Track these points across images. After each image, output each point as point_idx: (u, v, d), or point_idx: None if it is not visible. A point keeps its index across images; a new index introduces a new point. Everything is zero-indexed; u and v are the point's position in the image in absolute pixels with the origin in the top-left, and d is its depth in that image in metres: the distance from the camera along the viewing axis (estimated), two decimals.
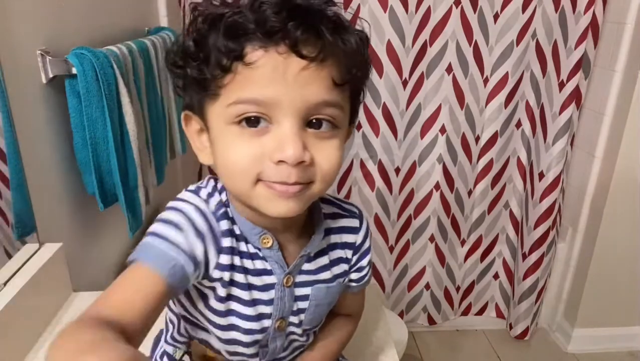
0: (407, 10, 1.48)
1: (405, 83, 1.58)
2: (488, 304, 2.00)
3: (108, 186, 0.96)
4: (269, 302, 0.52)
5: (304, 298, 0.54)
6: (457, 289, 1.93)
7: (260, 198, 0.45)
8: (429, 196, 1.75)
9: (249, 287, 0.51)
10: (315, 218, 0.54)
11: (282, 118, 0.43)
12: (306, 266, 0.54)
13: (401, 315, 1.93)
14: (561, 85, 1.59)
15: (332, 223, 0.56)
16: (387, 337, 0.81)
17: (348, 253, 0.57)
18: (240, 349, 0.54)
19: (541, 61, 1.62)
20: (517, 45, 1.57)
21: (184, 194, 0.51)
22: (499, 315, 1.99)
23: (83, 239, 1.00)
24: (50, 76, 0.85)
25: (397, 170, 1.70)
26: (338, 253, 0.57)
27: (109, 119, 0.92)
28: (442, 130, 1.66)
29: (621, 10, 1.51)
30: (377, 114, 1.61)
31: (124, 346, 0.35)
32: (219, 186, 0.52)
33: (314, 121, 0.45)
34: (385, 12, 1.49)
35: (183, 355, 0.58)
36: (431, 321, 1.94)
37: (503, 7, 1.53)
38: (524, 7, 1.53)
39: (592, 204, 1.72)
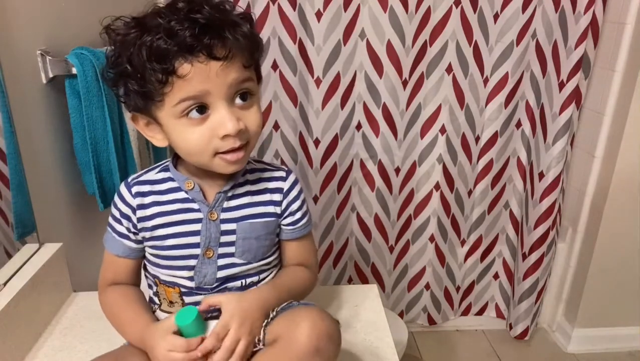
0: (407, 10, 1.48)
1: (405, 83, 1.58)
2: (488, 304, 2.00)
3: (108, 186, 0.97)
4: (197, 233, 0.66)
5: (231, 232, 0.67)
6: (457, 289, 1.93)
7: (219, 166, 0.62)
8: (429, 196, 1.75)
9: (180, 222, 0.66)
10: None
11: (216, 103, 0.58)
12: (227, 204, 0.67)
13: (401, 315, 1.93)
14: (561, 85, 1.59)
15: (260, 174, 0.71)
16: (387, 337, 0.81)
17: (276, 197, 0.70)
18: (178, 273, 0.67)
19: (541, 61, 1.62)
20: (517, 45, 1.57)
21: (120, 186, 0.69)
22: (499, 315, 1.99)
23: (83, 239, 1.00)
24: (50, 76, 0.85)
25: (397, 170, 1.71)
26: (264, 197, 0.70)
27: (109, 119, 0.92)
28: (442, 130, 1.66)
29: (621, 10, 1.51)
30: (377, 114, 1.61)
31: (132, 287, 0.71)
32: (166, 163, 0.69)
33: (238, 95, 0.60)
34: (385, 12, 1.49)
35: (159, 307, 0.71)
36: (431, 321, 1.94)
37: (503, 7, 1.53)
38: (524, 7, 1.53)
39: (592, 204, 1.72)
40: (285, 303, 0.68)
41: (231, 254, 0.67)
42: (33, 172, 0.81)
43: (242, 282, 0.69)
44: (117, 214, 0.68)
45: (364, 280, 1.86)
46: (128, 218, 0.67)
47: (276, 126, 1.62)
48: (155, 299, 0.71)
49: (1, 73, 0.73)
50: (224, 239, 0.67)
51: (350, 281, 1.87)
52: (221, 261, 0.67)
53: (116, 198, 0.68)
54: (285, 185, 0.71)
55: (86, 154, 0.91)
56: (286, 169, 0.73)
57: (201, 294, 0.68)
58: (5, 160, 0.76)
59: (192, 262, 0.66)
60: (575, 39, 1.52)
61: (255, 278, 0.70)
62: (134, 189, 0.67)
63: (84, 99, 0.87)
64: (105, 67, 0.62)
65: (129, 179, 0.69)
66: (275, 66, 1.54)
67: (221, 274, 0.67)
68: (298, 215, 0.72)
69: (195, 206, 0.66)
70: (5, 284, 0.75)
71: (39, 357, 0.76)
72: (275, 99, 1.58)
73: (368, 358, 0.76)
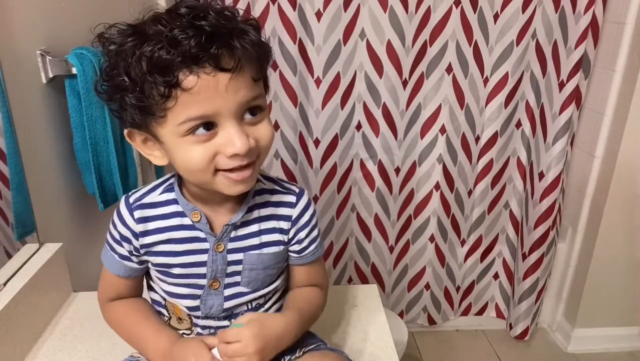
0: (407, 11, 1.48)
1: (405, 83, 1.58)
2: (488, 304, 2.00)
3: (108, 186, 0.97)
4: (202, 264, 0.63)
5: (238, 262, 0.64)
6: (457, 289, 1.93)
7: (222, 184, 0.57)
8: (429, 196, 1.75)
9: (186, 253, 0.63)
10: (244, 194, 0.62)
11: (225, 121, 0.54)
12: (234, 234, 0.64)
13: (401, 315, 1.93)
14: (561, 85, 1.59)
15: (269, 197, 0.66)
16: (387, 337, 0.81)
17: (283, 225, 0.66)
18: (183, 302, 0.65)
19: (541, 61, 1.62)
20: (517, 45, 1.57)
21: (119, 203, 0.65)
22: (499, 315, 1.99)
23: (83, 239, 1.00)
24: (50, 76, 0.85)
25: (397, 170, 1.71)
26: (272, 224, 0.65)
27: (109, 119, 0.92)
28: (442, 130, 1.66)
29: (621, 10, 1.51)
30: (377, 114, 1.61)
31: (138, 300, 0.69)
32: (170, 181, 0.65)
33: (248, 110, 0.55)
34: (385, 12, 1.49)
35: (169, 321, 0.69)
36: (431, 321, 1.94)
37: (503, 7, 1.53)
38: (524, 7, 1.53)
39: (592, 204, 1.72)
40: (314, 345, 0.67)
41: (237, 283, 0.65)
42: (33, 172, 0.81)
43: (247, 305, 0.67)
44: (117, 236, 0.64)
45: (364, 280, 1.86)
46: (129, 242, 0.63)
47: (276, 126, 1.62)
48: (164, 311, 0.69)
49: (1, 73, 0.73)
50: (230, 269, 0.64)
51: (350, 281, 1.87)
52: (227, 291, 0.65)
53: (116, 219, 0.64)
54: (294, 212, 0.66)
55: (86, 154, 0.91)
56: (297, 191, 0.67)
57: (209, 318, 0.67)
58: (5, 160, 0.76)
59: (198, 292, 0.64)
60: (575, 39, 1.52)
61: (261, 301, 0.68)
62: (137, 214, 0.63)
63: (84, 99, 0.87)
64: (98, 80, 0.57)
65: (131, 200, 0.64)
66: (275, 66, 1.54)
67: (228, 304, 0.65)
68: (306, 243, 0.68)
69: (201, 235, 0.63)
70: (5, 284, 0.75)
71: (39, 357, 0.76)
72: (275, 99, 1.58)
73: (368, 358, 0.76)
